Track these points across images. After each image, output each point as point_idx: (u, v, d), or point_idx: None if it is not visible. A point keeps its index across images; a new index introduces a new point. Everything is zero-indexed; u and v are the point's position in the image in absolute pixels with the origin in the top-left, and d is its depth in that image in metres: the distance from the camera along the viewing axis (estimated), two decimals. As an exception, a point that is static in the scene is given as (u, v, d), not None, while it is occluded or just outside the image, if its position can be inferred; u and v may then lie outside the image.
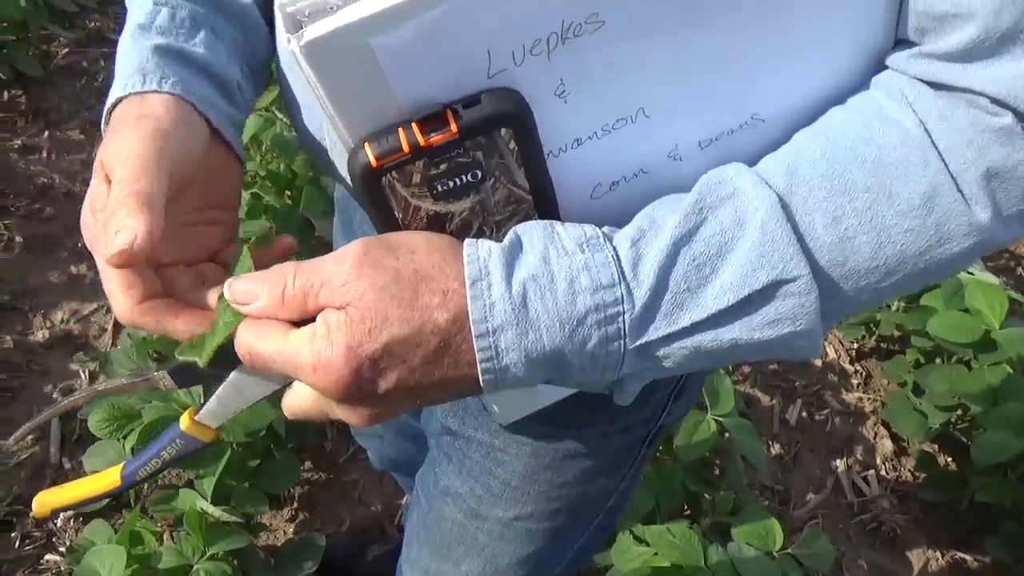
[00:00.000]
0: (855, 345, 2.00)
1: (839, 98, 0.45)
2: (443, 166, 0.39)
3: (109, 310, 1.76)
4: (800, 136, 0.44)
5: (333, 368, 0.37)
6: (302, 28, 0.34)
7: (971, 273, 1.79)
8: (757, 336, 0.40)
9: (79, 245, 1.87)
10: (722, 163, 0.43)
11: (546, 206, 0.43)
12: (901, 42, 0.44)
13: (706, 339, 0.40)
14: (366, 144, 0.38)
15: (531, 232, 0.40)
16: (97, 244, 0.42)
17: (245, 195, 1.60)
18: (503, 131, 0.39)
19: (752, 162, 0.43)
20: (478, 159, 0.40)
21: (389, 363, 0.38)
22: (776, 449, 1.77)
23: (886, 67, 0.44)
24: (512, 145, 0.40)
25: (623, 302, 0.39)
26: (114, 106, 0.47)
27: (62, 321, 1.72)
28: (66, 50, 2.42)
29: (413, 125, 0.38)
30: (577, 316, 0.38)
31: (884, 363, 1.90)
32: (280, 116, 1.78)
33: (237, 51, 0.54)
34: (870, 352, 1.99)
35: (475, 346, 0.38)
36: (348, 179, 0.55)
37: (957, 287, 1.71)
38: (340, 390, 0.38)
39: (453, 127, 0.38)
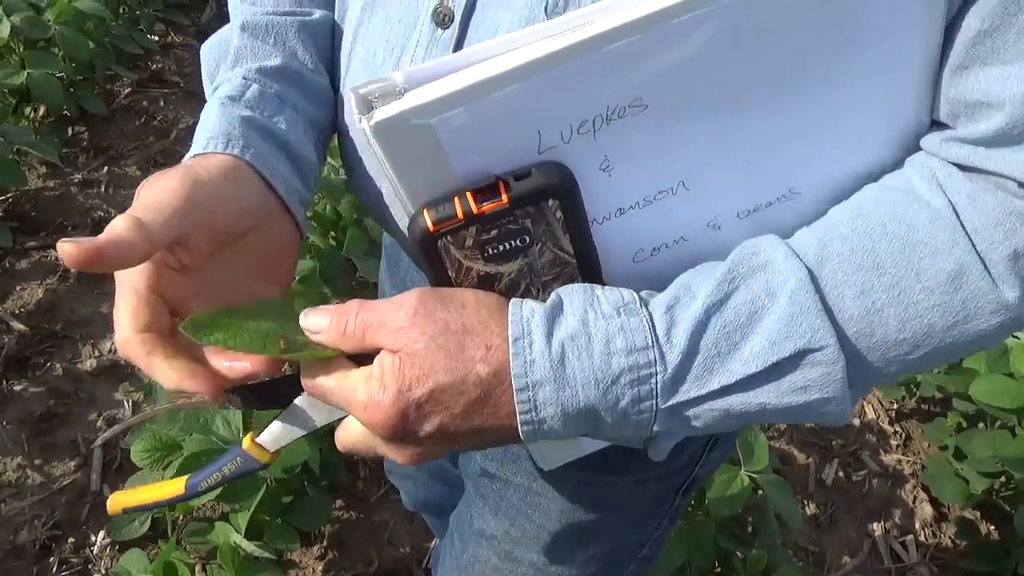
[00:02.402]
0: (895, 405, 1.96)
1: (873, 175, 0.46)
2: (494, 232, 0.42)
3: (155, 342, 1.81)
4: (833, 212, 0.45)
5: (382, 408, 0.41)
6: (372, 109, 0.38)
7: (1017, 337, 1.76)
8: (785, 401, 0.42)
9: (130, 277, 1.94)
10: (760, 232, 0.45)
11: (589, 269, 0.46)
12: (934, 123, 0.46)
13: (735, 402, 0.42)
14: (425, 210, 0.42)
15: (572, 295, 0.42)
16: (117, 273, 0.44)
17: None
18: (550, 201, 0.42)
19: (788, 232, 0.45)
20: (526, 226, 0.42)
21: (433, 408, 0.41)
22: (811, 509, 1.73)
23: (920, 148, 0.46)
24: (559, 214, 0.42)
25: (656, 364, 0.41)
26: None
27: (110, 351, 1.77)
28: (128, 90, 2.53)
29: (468, 194, 0.41)
30: (612, 376, 0.40)
31: (924, 425, 1.86)
32: (329, 159, 1.83)
33: (313, 129, 0.57)
34: (910, 413, 1.96)
35: (515, 399, 0.41)
36: (403, 234, 0.57)
37: (1002, 351, 1.67)
38: (387, 429, 0.41)
39: (504, 197, 0.41)
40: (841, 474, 1.81)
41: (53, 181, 2.15)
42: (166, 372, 0.43)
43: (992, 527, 1.70)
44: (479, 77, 0.37)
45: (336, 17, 0.61)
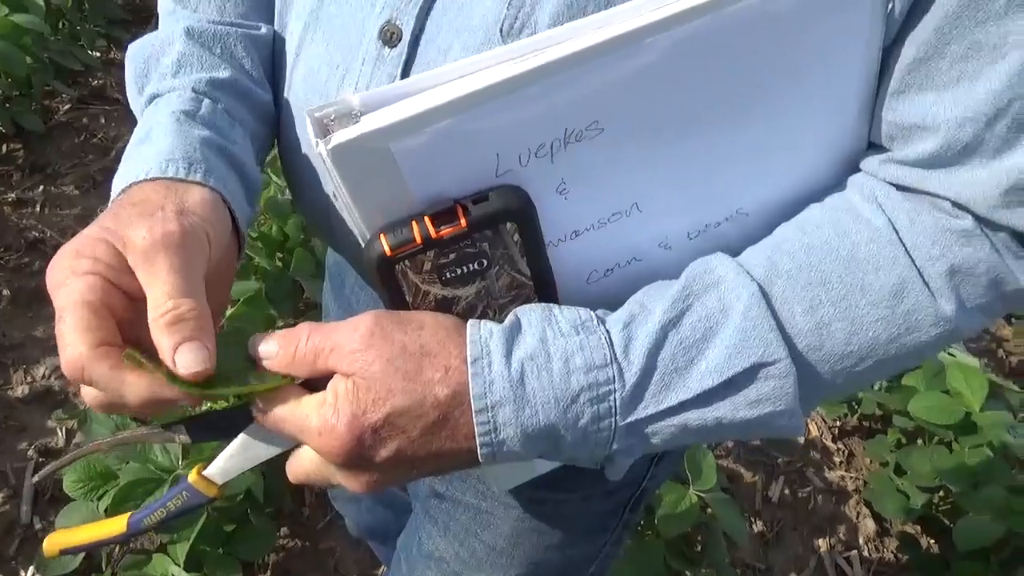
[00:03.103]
0: (838, 423, 2.00)
1: (815, 195, 0.48)
2: (452, 255, 0.42)
3: (92, 366, 1.75)
4: (780, 230, 0.47)
5: (337, 434, 0.40)
6: (329, 132, 0.37)
7: (952, 355, 1.81)
8: (740, 415, 0.42)
9: (66, 300, 1.87)
10: (709, 251, 0.46)
11: (546, 290, 0.46)
12: (872, 145, 0.47)
13: (692, 417, 0.42)
14: (382, 235, 0.41)
15: (530, 314, 0.42)
16: (60, 290, 0.40)
17: (236, 256, 1.60)
18: (508, 224, 0.42)
19: (736, 250, 0.46)
20: (484, 249, 0.42)
21: (390, 432, 0.40)
22: (758, 526, 1.75)
23: (859, 168, 0.48)
24: (516, 237, 0.42)
25: (615, 381, 0.41)
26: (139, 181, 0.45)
27: (43, 376, 1.71)
28: (68, 106, 2.47)
29: (426, 219, 0.40)
30: (571, 394, 0.40)
31: (866, 442, 1.90)
32: (275, 178, 1.81)
33: (258, 147, 0.55)
34: (852, 430, 2.00)
35: (474, 420, 0.40)
36: (352, 253, 0.56)
37: (938, 368, 1.72)
38: (342, 455, 0.40)
39: (463, 221, 0.40)
40: (787, 491, 1.84)
41: (-15, 200, 2.08)
42: (138, 384, 0.39)
43: (932, 541, 1.74)
44: (438, 101, 0.37)
45: (276, 30, 0.59)
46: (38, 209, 2.10)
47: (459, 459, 0.42)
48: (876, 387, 1.87)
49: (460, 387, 0.40)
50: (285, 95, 0.57)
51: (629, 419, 0.42)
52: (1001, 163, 0.41)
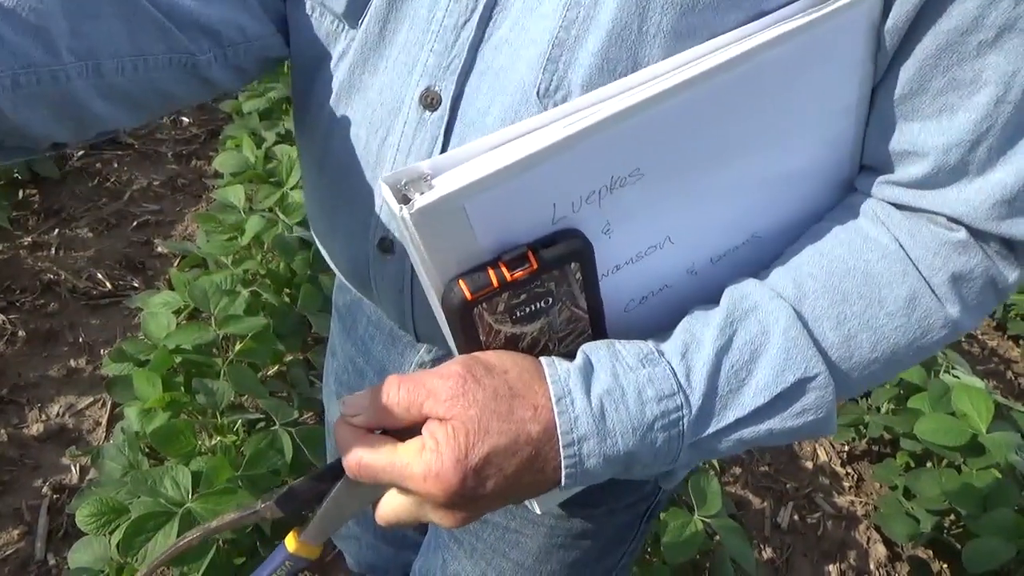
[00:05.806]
0: (846, 447, 2.00)
1: (817, 216, 0.54)
2: (523, 295, 0.46)
3: (104, 404, 1.78)
4: (799, 255, 0.51)
5: (443, 478, 0.42)
6: (408, 197, 0.41)
7: (957, 376, 1.81)
8: (788, 425, 0.47)
9: (80, 340, 1.91)
10: (729, 274, 0.51)
11: (599, 323, 0.50)
12: (867, 168, 0.53)
13: (747, 432, 0.47)
14: (461, 281, 0.44)
15: (597, 352, 0.46)
16: None
17: (244, 292, 1.64)
18: (573, 264, 0.46)
19: (751, 270, 0.51)
20: (551, 288, 0.46)
21: (489, 472, 0.43)
22: (768, 553, 1.75)
23: (855, 187, 0.54)
24: (578, 275, 0.46)
25: (683, 408, 0.45)
26: None
27: (57, 415, 1.74)
28: (81, 152, 2.53)
29: (501, 264, 0.44)
30: (647, 423, 0.45)
31: (875, 466, 1.90)
32: (282, 217, 1.85)
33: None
34: (861, 454, 1.99)
35: (561, 454, 0.44)
36: (382, 299, 0.59)
37: (943, 390, 1.72)
38: (447, 497, 0.43)
39: (534, 264, 0.44)
40: (796, 517, 1.83)
41: (2, 244, 2.13)
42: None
43: (944, 565, 1.73)
44: (506, 161, 0.41)
45: (296, 92, 0.61)
46: (53, 252, 2.16)
47: (543, 487, 0.46)
48: (883, 410, 1.87)
49: (549, 423, 0.44)
50: (319, 157, 0.60)
51: (695, 439, 0.46)
52: (986, 181, 0.47)
